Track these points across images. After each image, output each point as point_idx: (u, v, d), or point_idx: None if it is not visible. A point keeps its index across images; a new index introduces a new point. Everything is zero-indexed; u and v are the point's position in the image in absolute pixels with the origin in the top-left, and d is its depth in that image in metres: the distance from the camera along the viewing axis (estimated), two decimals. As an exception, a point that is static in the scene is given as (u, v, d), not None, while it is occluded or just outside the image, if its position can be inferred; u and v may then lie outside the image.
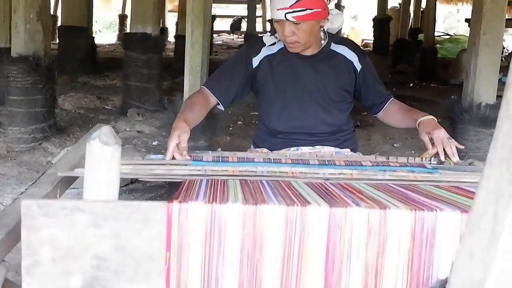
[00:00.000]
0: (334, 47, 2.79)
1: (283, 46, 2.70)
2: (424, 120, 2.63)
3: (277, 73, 2.71)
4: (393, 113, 2.88)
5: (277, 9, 2.48)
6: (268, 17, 16.73)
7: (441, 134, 2.52)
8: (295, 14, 2.47)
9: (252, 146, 2.95)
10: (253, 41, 2.92)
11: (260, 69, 2.75)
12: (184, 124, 2.42)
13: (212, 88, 2.73)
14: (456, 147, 2.52)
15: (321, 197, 1.73)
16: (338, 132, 2.78)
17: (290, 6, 2.45)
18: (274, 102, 2.75)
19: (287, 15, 2.48)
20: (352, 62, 2.79)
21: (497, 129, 1.11)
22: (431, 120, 2.64)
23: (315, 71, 2.72)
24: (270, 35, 2.74)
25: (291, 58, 2.71)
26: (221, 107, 2.76)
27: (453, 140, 2.54)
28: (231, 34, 18.15)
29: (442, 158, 2.49)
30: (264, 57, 2.73)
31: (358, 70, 2.81)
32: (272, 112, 2.76)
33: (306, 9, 2.47)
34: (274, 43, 2.73)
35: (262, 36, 2.79)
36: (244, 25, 18.01)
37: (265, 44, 2.74)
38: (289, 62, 2.72)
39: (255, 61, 2.75)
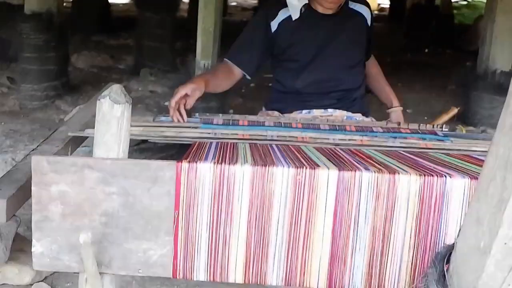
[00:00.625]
0: (352, 5, 2.79)
1: (303, 5, 2.68)
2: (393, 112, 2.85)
3: (297, 34, 2.70)
4: (369, 71, 2.97)
5: None
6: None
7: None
8: None
9: (263, 108, 2.94)
10: (270, 4, 2.88)
11: (279, 33, 2.72)
12: (202, 83, 2.43)
13: (235, 60, 2.72)
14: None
15: (330, 161, 1.73)
16: (353, 92, 2.76)
17: None
18: (294, 61, 2.74)
19: None
20: (366, 19, 2.80)
21: (509, 94, 1.10)
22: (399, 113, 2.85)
23: (335, 31, 2.71)
24: None
25: (311, 17, 2.69)
26: (247, 77, 2.77)
27: None
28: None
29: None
30: (283, 19, 2.72)
31: (369, 26, 2.82)
32: (291, 71, 2.74)
33: None
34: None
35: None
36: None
37: (283, 6, 2.72)
38: (309, 21, 2.69)
39: (274, 25, 2.71)
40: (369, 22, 2.80)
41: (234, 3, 15.88)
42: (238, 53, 2.74)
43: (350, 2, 2.75)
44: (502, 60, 4.79)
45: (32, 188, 1.59)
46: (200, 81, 2.45)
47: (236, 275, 1.62)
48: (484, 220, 1.16)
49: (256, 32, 2.78)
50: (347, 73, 2.75)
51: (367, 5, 2.83)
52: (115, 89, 1.57)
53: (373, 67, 3.00)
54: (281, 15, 2.70)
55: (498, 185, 1.11)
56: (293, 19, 2.64)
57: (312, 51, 2.70)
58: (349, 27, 2.74)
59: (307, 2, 2.63)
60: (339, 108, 2.72)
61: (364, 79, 2.86)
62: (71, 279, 2.25)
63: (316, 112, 2.71)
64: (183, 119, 2.31)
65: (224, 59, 2.76)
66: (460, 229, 1.28)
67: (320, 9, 2.66)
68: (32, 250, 1.61)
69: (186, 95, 2.34)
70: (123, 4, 13.48)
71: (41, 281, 2.21)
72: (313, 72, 2.71)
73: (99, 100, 1.56)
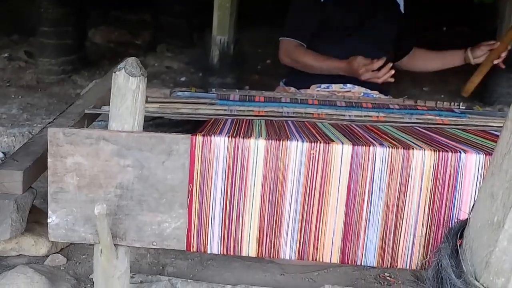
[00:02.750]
0: None
1: None
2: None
3: (343, 5, 2.73)
4: (423, 55, 2.92)
5: None
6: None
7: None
8: None
9: (281, 83, 2.95)
10: None
11: (327, 2, 2.79)
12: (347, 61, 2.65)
13: (297, 36, 2.81)
14: None
15: (345, 136, 1.73)
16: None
17: None
18: (334, 31, 2.78)
19: None
20: (399, 5, 2.82)
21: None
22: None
23: (370, 7, 2.76)
24: None
25: None
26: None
27: None
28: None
29: None
30: None
31: (402, 13, 2.83)
32: (328, 39, 2.77)
33: None
34: None
35: None
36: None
37: None
38: None
39: None
40: (402, 9, 2.82)
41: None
42: (297, 29, 2.85)
43: None
44: (521, 39, 4.74)
45: (48, 159, 1.60)
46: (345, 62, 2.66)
47: (249, 248, 1.63)
48: (498, 195, 1.16)
49: (308, 5, 2.86)
50: (376, 50, 2.76)
51: None
52: (131, 62, 1.57)
53: (422, 52, 2.99)
54: None
55: (513, 160, 1.11)
56: None
57: (354, 23, 2.75)
58: (383, 6, 2.78)
59: None
60: (358, 84, 2.72)
61: (391, 58, 2.86)
62: (86, 251, 2.27)
63: (335, 87, 2.72)
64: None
65: (282, 36, 2.86)
66: (473, 204, 1.27)
67: None
68: (48, 221, 1.63)
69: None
70: (140, -21, 13.46)
71: (57, 252, 2.23)
72: (350, 44, 2.74)
73: (114, 73, 1.56)
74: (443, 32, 8.49)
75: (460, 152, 1.56)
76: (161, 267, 2.25)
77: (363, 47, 2.74)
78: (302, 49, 2.80)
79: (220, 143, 1.58)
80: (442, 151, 1.56)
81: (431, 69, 3.02)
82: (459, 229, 1.32)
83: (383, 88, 2.79)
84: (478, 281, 1.22)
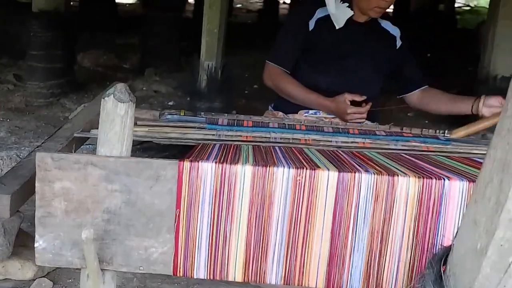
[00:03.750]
0: (383, 23, 2.83)
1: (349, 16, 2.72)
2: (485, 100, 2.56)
3: (330, 35, 2.72)
4: (436, 96, 2.84)
5: None
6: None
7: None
8: None
9: (270, 107, 2.96)
10: (306, 2, 2.94)
11: (315, 31, 2.78)
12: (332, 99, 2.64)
13: (281, 63, 2.80)
14: None
15: (331, 162, 1.74)
16: (369, 100, 2.76)
17: None
18: (323, 59, 2.78)
19: None
20: (395, 38, 2.82)
21: (507, 99, 1.10)
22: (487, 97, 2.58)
23: (363, 39, 2.75)
24: (342, 2, 2.71)
25: (346, 22, 2.73)
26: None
27: None
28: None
29: None
30: (319, 18, 2.77)
31: (397, 46, 2.83)
32: (316, 67, 2.78)
33: None
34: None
35: None
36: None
37: (319, 6, 2.77)
38: (344, 26, 2.73)
39: (311, 24, 2.78)
40: (397, 43, 2.83)
41: (239, 5, 15.89)
42: (283, 54, 2.84)
43: (380, 20, 2.79)
44: (503, 66, 4.78)
45: (36, 184, 1.60)
46: (328, 100, 2.66)
47: (235, 273, 1.62)
48: (481, 222, 1.17)
49: (297, 32, 2.84)
50: (365, 80, 2.78)
51: (398, 26, 2.86)
52: (120, 87, 1.57)
53: (439, 94, 2.87)
54: (318, 14, 2.78)
55: (495, 188, 1.12)
56: (337, 27, 2.68)
57: (342, 53, 2.74)
58: (376, 40, 2.77)
59: (353, 13, 2.66)
60: None
61: (379, 88, 2.86)
62: (73, 275, 2.26)
63: (323, 113, 2.73)
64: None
65: (268, 61, 2.84)
66: (457, 231, 1.28)
67: (355, 17, 2.71)
68: (35, 245, 1.62)
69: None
70: (129, 3, 13.51)
71: (43, 276, 2.22)
72: (337, 73, 2.74)
73: (103, 98, 1.57)
74: (428, 58, 8.56)
75: (444, 179, 1.58)
76: (147, 291, 2.25)
77: (351, 79, 2.76)
78: (287, 77, 2.80)
79: (207, 168, 1.58)
80: (426, 178, 1.57)
81: (442, 112, 2.95)
82: (443, 256, 1.32)
83: (371, 115, 2.80)
84: (462, 307, 1.22)
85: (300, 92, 2.73)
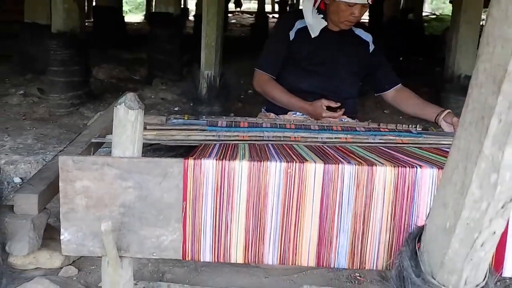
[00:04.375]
0: (357, 31, 2.84)
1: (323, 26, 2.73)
2: (443, 113, 2.63)
3: (308, 43, 2.73)
4: (407, 100, 2.86)
5: None
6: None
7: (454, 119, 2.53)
8: None
9: (263, 109, 2.97)
10: (288, 16, 3.00)
11: (295, 40, 2.80)
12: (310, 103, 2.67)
13: (267, 69, 2.84)
14: None
15: (318, 156, 1.74)
16: (347, 99, 2.78)
17: None
18: (304, 65, 2.79)
19: None
20: (368, 43, 2.82)
21: (468, 95, 1.11)
22: (449, 111, 2.65)
23: (340, 46, 2.75)
24: (318, 14, 2.71)
25: (322, 31, 2.73)
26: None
27: None
28: (234, 13, 17.86)
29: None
30: (298, 29, 2.78)
31: (371, 50, 2.83)
32: (299, 73, 2.79)
33: None
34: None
35: (295, 11, 2.88)
36: (244, 6, 18.31)
37: (299, 18, 2.79)
38: (321, 35, 2.73)
39: (292, 34, 2.80)
40: (370, 47, 2.83)
41: (233, 21, 15.86)
42: (268, 62, 2.88)
43: (354, 28, 2.81)
44: (465, 66, 4.79)
45: (60, 184, 1.60)
46: (307, 103, 2.70)
47: (237, 256, 1.63)
48: (449, 204, 1.17)
49: (279, 43, 2.87)
50: (343, 82, 2.79)
51: (371, 33, 2.86)
52: (130, 97, 1.57)
53: (409, 94, 2.89)
54: (298, 25, 2.80)
55: (461, 174, 1.12)
56: (312, 36, 2.68)
57: (320, 59, 2.75)
58: (351, 45, 2.77)
59: (326, 24, 2.66)
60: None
61: (357, 89, 2.87)
62: (95, 263, 2.25)
63: None
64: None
65: (256, 68, 2.89)
66: (429, 212, 1.29)
67: (330, 26, 2.71)
68: (61, 238, 1.62)
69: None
70: (137, 23, 13.48)
71: (69, 264, 2.21)
72: (317, 77, 2.76)
73: (116, 107, 1.57)
74: (400, 61, 8.56)
75: (417, 167, 1.58)
76: (160, 274, 2.25)
77: (329, 82, 2.76)
78: (272, 82, 2.82)
79: (209, 165, 1.59)
80: (401, 167, 1.58)
81: (410, 114, 2.95)
82: (417, 234, 1.33)
83: (351, 113, 2.81)
84: (435, 279, 1.23)
85: (284, 97, 2.77)
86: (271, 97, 2.82)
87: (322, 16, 2.69)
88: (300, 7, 2.82)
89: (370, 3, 2.58)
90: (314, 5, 2.67)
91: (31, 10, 6.20)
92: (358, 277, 2.27)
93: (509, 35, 0.98)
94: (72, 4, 4.75)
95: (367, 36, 2.84)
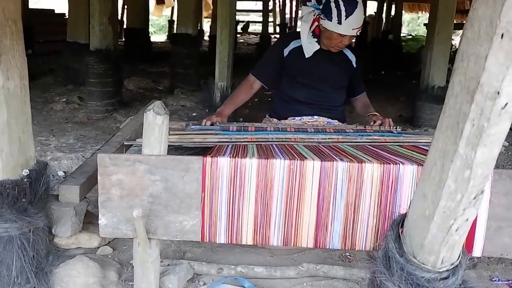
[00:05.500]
0: (344, 50, 2.81)
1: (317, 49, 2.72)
2: (371, 114, 2.69)
3: (303, 60, 2.71)
4: (360, 103, 2.93)
5: (353, 29, 2.51)
6: (277, 22, 16.54)
7: (385, 120, 2.56)
8: (359, 30, 2.54)
9: (267, 115, 2.96)
10: (286, 36, 3.00)
11: (288, 57, 2.78)
12: (222, 116, 2.63)
13: (257, 75, 2.81)
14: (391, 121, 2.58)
15: (315, 154, 1.73)
16: (336, 107, 2.78)
17: (360, 26, 2.52)
18: (297, 78, 2.76)
19: (357, 31, 2.54)
20: (351, 61, 2.81)
21: (445, 104, 1.10)
22: (375, 114, 2.69)
23: (329, 63, 2.73)
24: (313, 37, 2.69)
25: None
26: (266, 87, 2.84)
27: (389, 119, 2.57)
28: (242, 34, 17.83)
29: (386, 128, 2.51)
30: (293, 48, 2.76)
31: (354, 67, 2.82)
32: (293, 84, 2.77)
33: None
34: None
35: (293, 32, 2.88)
36: (251, 28, 18.27)
37: (294, 38, 2.77)
38: (313, 53, 2.74)
39: (286, 52, 2.78)
40: (354, 65, 2.81)
41: (241, 40, 15.84)
42: (260, 70, 2.84)
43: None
44: (439, 78, 4.77)
45: (98, 177, 1.59)
46: (221, 114, 2.63)
47: (247, 238, 1.62)
48: (428, 195, 1.16)
49: (273, 56, 2.86)
50: (332, 93, 2.77)
51: (355, 53, 2.84)
52: (157, 104, 1.57)
53: (365, 100, 2.94)
54: (292, 44, 2.77)
55: (439, 170, 1.11)
56: (306, 56, 2.67)
57: (313, 74, 2.73)
58: (338, 62, 2.76)
59: (319, 47, 2.65)
60: (322, 116, 2.73)
61: (343, 98, 2.87)
62: (127, 243, 2.25)
63: (305, 118, 2.72)
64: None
65: (250, 72, 2.85)
66: (410, 202, 1.28)
67: (322, 47, 2.68)
68: (99, 222, 1.62)
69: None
70: (160, 42, 13.49)
71: (105, 245, 2.21)
72: (309, 89, 2.74)
73: (145, 112, 1.56)
74: (382, 75, 8.54)
75: (399, 164, 1.57)
76: (182, 254, 2.24)
77: (320, 93, 2.75)
78: (242, 86, 2.84)
79: (224, 162, 1.58)
80: (386, 164, 1.57)
81: (359, 112, 2.98)
82: (400, 221, 1.32)
83: (340, 118, 2.80)
84: (416, 259, 1.22)
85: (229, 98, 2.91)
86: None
87: (316, 40, 2.67)
88: (298, 29, 2.81)
89: (358, 35, 2.57)
90: (310, 28, 2.65)
91: (73, 31, 6.21)
92: (348, 256, 2.25)
93: (480, 52, 0.97)
94: (107, 26, 4.75)
95: (352, 56, 2.82)
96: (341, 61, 2.77)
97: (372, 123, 2.55)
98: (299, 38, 2.71)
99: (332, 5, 2.50)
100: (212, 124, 2.45)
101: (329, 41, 2.61)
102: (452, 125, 1.05)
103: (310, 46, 2.68)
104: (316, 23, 2.62)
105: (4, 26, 1.66)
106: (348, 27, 2.50)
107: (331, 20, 2.50)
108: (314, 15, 2.61)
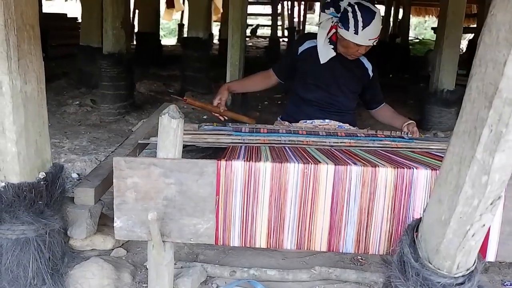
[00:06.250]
0: (361, 57, 2.79)
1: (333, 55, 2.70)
2: (408, 124, 2.60)
3: (315, 62, 2.70)
4: (385, 114, 2.87)
5: (369, 39, 2.50)
6: (285, 26, 16.53)
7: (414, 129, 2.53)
8: (376, 40, 2.53)
9: (278, 118, 2.95)
10: (303, 35, 3.03)
11: (301, 56, 2.78)
12: (225, 90, 2.80)
13: (275, 71, 2.88)
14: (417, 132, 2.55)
15: (328, 158, 1.72)
16: (348, 111, 2.76)
17: (377, 36, 2.51)
18: (309, 80, 2.76)
19: (374, 41, 2.53)
20: (368, 69, 2.78)
21: (462, 109, 1.08)
22: (412, 122, 2.61)
23: (342, 67, 2.71)
24: (330, 43, 2.67)
25: None
26: (281, 81, 2.91)
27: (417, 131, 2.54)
28: (251, 38, 17.83)
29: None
30: (307, 48, 2.76)
31: (370, 76, 2.79)
32: (306, 85, 2.77)
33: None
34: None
35: (310, 33, 2.98)
36: (259, 31, 18.29)
37: (310, 38, 2.78)
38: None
39: (300, 50, 2.78)
40: (370, 74, 2.78)
41: (250, 44, 15.84)
42: (278, 66, 2.91)
43: None
44: (447, 82, 4.74)
45: (114, 180, 1.59)
46: (224, 88, 2.82)
47: (261, 241, 1.61)
48: (444, 201, 1.15)
49: (288, 54, 2.99)
50: (344, 96, 2.75)
51: (371, 61, 2.81)
52: (172, 108, 1.56)
53: (389, 109, 2.89)
54: (307, 44, 2.77)
55: (455, 175, 1.10)
56: (321, 62, 2.65)
57: (326, 77, 2.71)
58: (353, 68, 2.73)
59: (335, 54, 2.64)
60: (333, 119, 2.71)
61: (355, 103, 2.85)
62: (140, 245, 2.25)
63: (317, 122, 2.70)
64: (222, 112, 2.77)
65: (271, 67, 2.92)
66: (425, 207, 1.26)
67: (337, 51, 2.67)
68: (114, 225, 1.61)
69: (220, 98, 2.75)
70: (171, 45, 13.52)
71: (119, 247, 2.21)
72: (321, 91, 2.72)
73: (160, 116, 1.55)
74: (390, 78, 8.50)
75: (413, 169, 1.55)
76: (195, 256, 2.23)
77: (332, 96, 2.73)
78: (264, 74, 2.91)
79: (238, 165, 1.57)
80: (400, 168, 1.55)
81: (386, 124, 2.88)
82: (415, 225, 1.30)
83: (351, 122, 2.78)
84: (431, 264, 1.20)
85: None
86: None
87: (332, 47, 2.66)
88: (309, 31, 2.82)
89: (375, 44, 2.56)
90: (327, 35, 2.63)
91: (86, 35, 6.24)
92: (360, 260, 2.24)
93: (499, 58, 0.95)
94: (119, 30, 4.77)
95: (368, 64, 2.79)
96: (356, 67, 2.75)
97: (406, 133, 2.48)
98: (315, 38, 2.70)
99: (350, 15, 2.48)
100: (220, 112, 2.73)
101: (345, 49, 2.60)
102: (469, 130, 1.04)
103: (325, 53, 2.66)
104: (333, 30, 2.61)
105: (22, 31, 1.66)
106: (364, 37, 2.48)
107: (348, 30, 2.48)
108: (332, 22, 2.60)
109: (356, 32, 2.47)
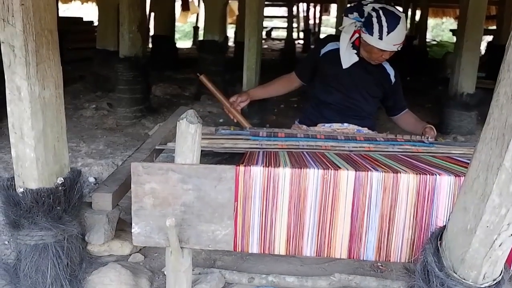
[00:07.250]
0: (383, 62, 2.78)
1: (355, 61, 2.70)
2: (427, 128, 2.59)
3: (336, 65, 2.69)
4: (408, 120, 2.86)
5: (394, 44, 2.49)
6: (301, 28, 16.52)
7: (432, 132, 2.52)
8: (400, 46, 2.52)
9: (296, 122, 2.94)
10: (326, 37, 3.01)
11: (323, 58, 2.78)
12: (245, 94, 2.88)
13: (298, 73, 2.92)
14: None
15: (348, 163, 1.70)
16: (368, 115, 2.75)
17: (401, 41, 2.50)
18: (330, 83, 2.75)
19: (398, 47, 2.52)
20: (390, 75, 2.77)
21: (489, 115, 1.06)
22: (431, 126, 2.60)
23: (364, 71, 2.69)
24: (352, 48, 2.67)
25: None
26: (304, 83, 2.94)
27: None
28: (266, 40, 17.84)
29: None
30: (329, 50, 2.75)
31: (392, 82, 2.77)
32: (326, 88, 2.76)
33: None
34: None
35: (334, 35, 2.99)
36: (273, 33, 18.33)
37: (333, 40, 2.79)
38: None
39: (322, 51, 2.79)
40: (392, 79, 2.76)
41: (265, 46, 15.84)
42: (301, 69, 2.95)
43: None
44: (467, 85, 4.69)
45: (132, 186, 1.59)
46: (247, 93, 2.90)
47: (280, 248, 1.60)
48: (470, 209, 1.12)
49: (311, 55, 2.95)
50: (365, 101, 2.73)
51: (393, 67, 2.79)
52: (190, 113, 1.56)
53: (412, 115, 2.89)
54: (329, 46, 2.79)
55: (481, 183, 1.08)
56: (344, 67, 2.64)
57: (346, 80, 2.70)
58: (375, 73, 2.72)
59: (357, 60, 2.62)
60: (352, 123, 2.69)
61: (375, 108, 2.83)
62: (157, 250, 2.24)
63: (335, 125, 2.69)
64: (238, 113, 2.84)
65: (294, 71, 2.97)
66: (450, 215, 1.24)
67: (360, 55, 2.66)
68: (132, 230, 1.61)
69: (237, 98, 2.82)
70: (186, 48, 13.57)
71: (137, 252, 2.21)
72: (342, 94, 2.71)
73: (178, 121, 1.55)
74: (408, 81, 8.43)
75: (436, 175, 1.53)
76: (212, 262, 2.22)
77: (352, 100, 2.71)
78: (287, 78, 2.95)
79: (257, 171, 1.56)
80: (422, 174, 1.53)
81: (408, 130, 2.86)
82: (439, 234, 1.28)
83: (370, 126, 2.76)
84: (456, 273, 1.18)
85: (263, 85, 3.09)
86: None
87: (355, 51, 2.64)
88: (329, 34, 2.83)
89: (399, 49, 2.53)
90: (350, 39, 2.62)
91: (102, 39, 6.29)
92: (380, 267, 2.21)
93: (528, 63, 0.93)
94: (135, 34, 4.79)
95: (391, 70, 2.77)
96: (378, 72, 2.73)
97: (426, 137, 2.46)
98: (337, 40, 2.69)
99: (374, 20, 2.46)
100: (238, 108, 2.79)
101: (369, 54, 2.59)
102: (497, 137, 1.02)
103: (348, 58, 2.65)
104: (356, 35, 2.59)
105: (40, 36, 1.67)
106: (389, 43, 2.46)
107: (372, 35, 2.46)
108: (355, 27, 2.58)
109: (380, 37, 2.45)
